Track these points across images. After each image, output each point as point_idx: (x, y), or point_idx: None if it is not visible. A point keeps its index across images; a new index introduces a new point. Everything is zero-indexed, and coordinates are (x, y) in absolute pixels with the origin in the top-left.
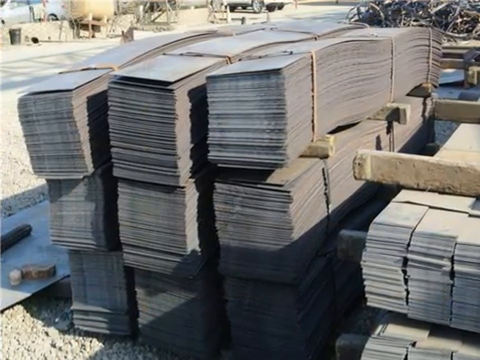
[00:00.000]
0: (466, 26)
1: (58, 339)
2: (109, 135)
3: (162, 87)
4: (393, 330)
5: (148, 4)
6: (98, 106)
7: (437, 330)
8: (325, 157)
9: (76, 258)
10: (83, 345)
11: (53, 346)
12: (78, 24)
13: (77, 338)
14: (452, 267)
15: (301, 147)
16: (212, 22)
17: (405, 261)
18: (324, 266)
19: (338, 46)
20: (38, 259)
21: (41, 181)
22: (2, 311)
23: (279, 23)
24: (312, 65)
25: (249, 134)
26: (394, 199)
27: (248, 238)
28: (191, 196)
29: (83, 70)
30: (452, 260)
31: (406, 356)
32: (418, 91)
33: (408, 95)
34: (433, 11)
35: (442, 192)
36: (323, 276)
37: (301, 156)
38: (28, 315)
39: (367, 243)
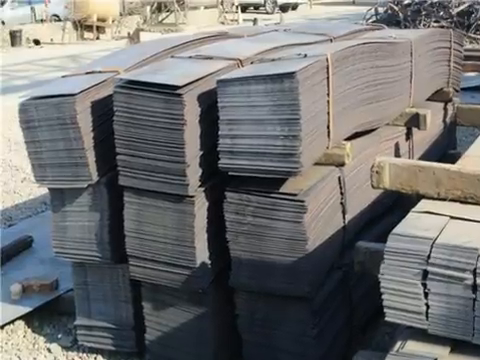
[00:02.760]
0: None
1: (61, 356)
2: (114, 142)
3: (170, 91)
4: (413, 347)
5: (155, 4)
6: (103, 111)
7: (459, 346)
8: (341, 165)
9: (80, 271)
10: None
11: None
12: (82, 25)
13: (81, 355)
14: (474, 280)
15: (316, 154)
16: (222, 23)
17: (425, 274)
18: (340, 279)
19: (355, 48)
20: (40, 272)
21: (43, 190)
22: (2, 326)
23: (293, 24)
24: (328, 68)
25: (261, 141)
26: (413, 209)
27: (260, 250)
28: (201, 206)
29: (87, 73)
30: (475, 273)
31: None
32: (439, 95)
33: (428, 100)
34: (454, 12)
35: (464, 202)
36: (339, 290)
37: (316, 164)
38: (29, 331)
39: (385, 255)
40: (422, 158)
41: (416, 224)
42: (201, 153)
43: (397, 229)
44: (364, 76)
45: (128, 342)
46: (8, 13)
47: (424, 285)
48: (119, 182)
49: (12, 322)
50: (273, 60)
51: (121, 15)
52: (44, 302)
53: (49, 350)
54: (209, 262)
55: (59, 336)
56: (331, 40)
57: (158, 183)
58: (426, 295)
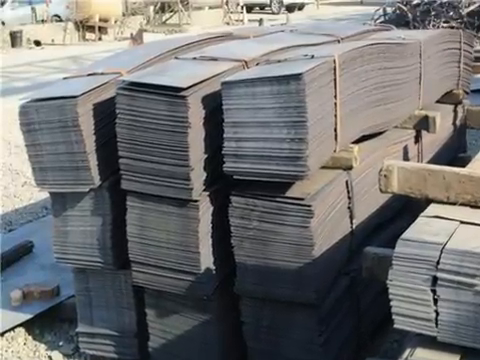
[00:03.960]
0: None
1: None
2: (117, 145)
3: (174, 93)
4: (422, 354)
5: (159, 4)
6: (105, 114)
7: (469, 354)
8: (349, 168)
9: (81, 277)
10: None
11: None
12: (84, 26)
13: None
14: None
15: (323, 158)
16: (227, 24)
17: (434, 280)
18: (348, 285)
19: (363, 49)
20: (41, 278)
21: (44, 194)
22: (2, 334)
23: (299, 25)
24: (335, 70)
25: (267, 144)
26: (423, 213)
27: (266, 255)
28: (205, 210)
29: (89, 75)
30: None
31: None
32: (448, 98)
33: (438, 102)
34: (465, 12)
35: (474, 206)
36: (346, 296)
37: (323, 167)
38: (30, 338)
39: (394, 261)
40: (431, 162)
41: (425, 229)
42: (205, 156)
43: (406, 234)
44: (372, 78)
45: (131, 350)
46: (8, 13)
47: (433, 291)
48: (121, 186)
49: (12, 329)
50: (279, 61)
51: (124, 15)
52: (45, 309)
53: (50, 358)
54: (214, 268)
55: (60, 344)
56: (338, 41)
57: (161, 187)
58: (435, 301)
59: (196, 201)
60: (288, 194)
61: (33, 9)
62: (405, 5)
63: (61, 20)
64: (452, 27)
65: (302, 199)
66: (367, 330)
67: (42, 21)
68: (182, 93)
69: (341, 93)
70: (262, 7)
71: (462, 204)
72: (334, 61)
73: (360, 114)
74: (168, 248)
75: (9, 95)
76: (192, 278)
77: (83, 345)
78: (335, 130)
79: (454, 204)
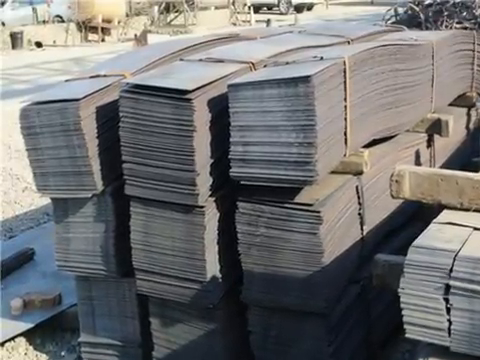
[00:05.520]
0: None
1: None
2: (120, 149)
3: (179, 96)
4: None
5: (164, 4)
6: (108, 117)
7: None
8: (359, 173)
9: (84, 285)
10: None
11: None
12: (86, 27)
13: None
14: None
15: (332, 162)
16: (234, 24)
17: (447, 288)
18: (358, 294)
19: (374, 51)
20: (42, 286)
21: (45, 200)
22: (3, 344)
23: (308, 25)
24: (345, 72)
25: (275, 148)
26: (435, 220)
27: (274, 263)
28: (211, 216)
29: (92, 77)
30: None
31: None
32: (462, 100)
33: (451, 105)
34: (478, 12)
35: None
36: (357, 305)
37: (332, 172)
38: (31, 348)
39: (405, 268)
40: (444, 166)
41: (438, 236)
42: (211, 161)
43: (418, 241)
44: (383, 80)
45: None
46: (9, 14)
47: (446, 300)
48: (125, 192)
49: (13, 339)
50: (287, 63)
51: (127, 16)
52: (46, 318)
53: None
54: (220, 276)
55: (62, 354)
56: (348, 42)
57: (166, 193)
58: (448, 310)
59: (202, 207)
60: (296, 200)
61: (34, 9)
62: (417, 5)
63: (63, 21)
64: (465, 28)
65: (311, 205)
66: (378, 339)
67: (43, 22)
68: (187, 96)
69: (351, 96)
70: (270, 7)
71: (476, 210)
72: (344, 63)
73: (371, 117)
74: (173, 255)
75: (9, 98)
76: (197, 286)
77: (85, 355)
78: (345, 134)
79: (467, 210)
